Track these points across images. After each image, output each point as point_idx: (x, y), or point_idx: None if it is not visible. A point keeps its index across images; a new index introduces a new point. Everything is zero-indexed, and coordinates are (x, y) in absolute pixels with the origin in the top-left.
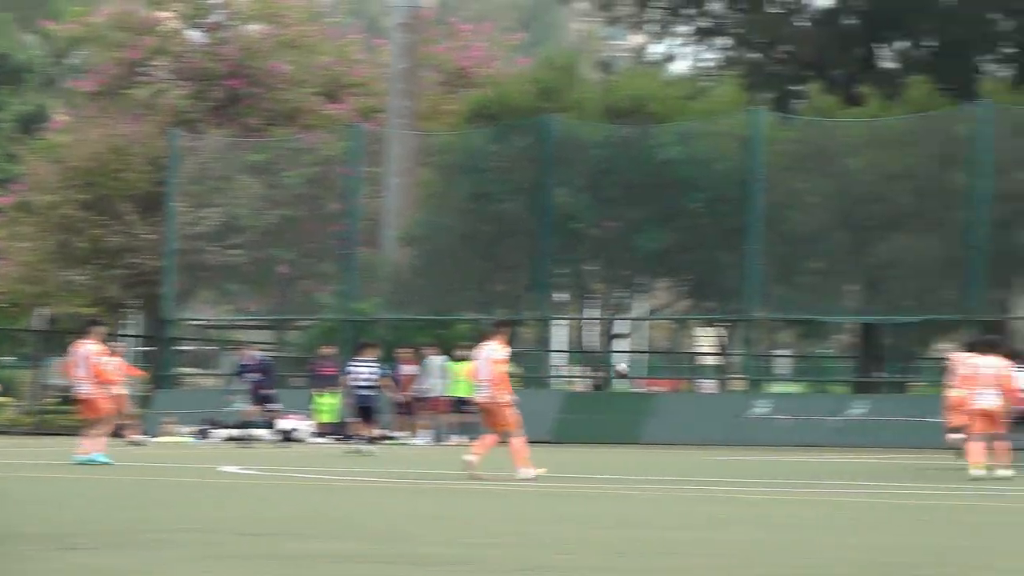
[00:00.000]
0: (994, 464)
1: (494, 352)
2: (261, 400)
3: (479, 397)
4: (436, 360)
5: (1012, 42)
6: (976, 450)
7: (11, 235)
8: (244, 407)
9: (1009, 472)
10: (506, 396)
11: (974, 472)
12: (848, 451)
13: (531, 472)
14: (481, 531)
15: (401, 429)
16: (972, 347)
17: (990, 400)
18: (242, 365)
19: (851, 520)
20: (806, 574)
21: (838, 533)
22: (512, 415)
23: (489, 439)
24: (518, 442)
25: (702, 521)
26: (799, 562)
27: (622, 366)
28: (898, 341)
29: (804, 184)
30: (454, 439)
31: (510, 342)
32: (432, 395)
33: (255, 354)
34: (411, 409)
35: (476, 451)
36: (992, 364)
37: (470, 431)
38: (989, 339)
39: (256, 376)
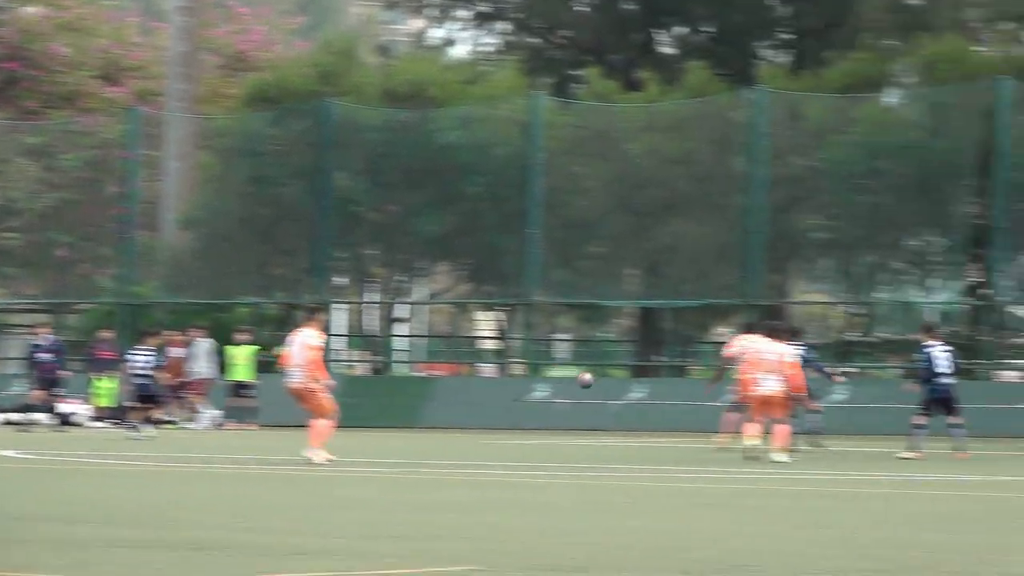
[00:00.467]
0: (772, 448)
1: (309, 338)
2: (49, 384)
3: (292, 382)
4: (204, 344)
5: (789, 28)
6: (752, 430)
7: None
8: (30, 390)
9: (786, 458)
10: (319, 381)
11: (747, 442)
12: (628, 435)
13: (322, 456)
14: (248, 515)
15: (178, 413)
16: (750, 329)
17: (772, 385)
18: (34, 346)
19: (619, 503)
20: (569, 554)
21: (604, 516)
22: (327, 400)
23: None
24: (323, 424)
25: (476, 505)
26: (566, 543)
27: (586, 376)
28: (677, 325)
29: (584, 168)
30: (231, 424)
31: (324, 329)
32: (200, 378)
33: (48, 336)
34: (182, 392)
35: (313, 443)
36: (775, 350)
37: (247, 416)
38: (773, 324)
39: (48, 357)
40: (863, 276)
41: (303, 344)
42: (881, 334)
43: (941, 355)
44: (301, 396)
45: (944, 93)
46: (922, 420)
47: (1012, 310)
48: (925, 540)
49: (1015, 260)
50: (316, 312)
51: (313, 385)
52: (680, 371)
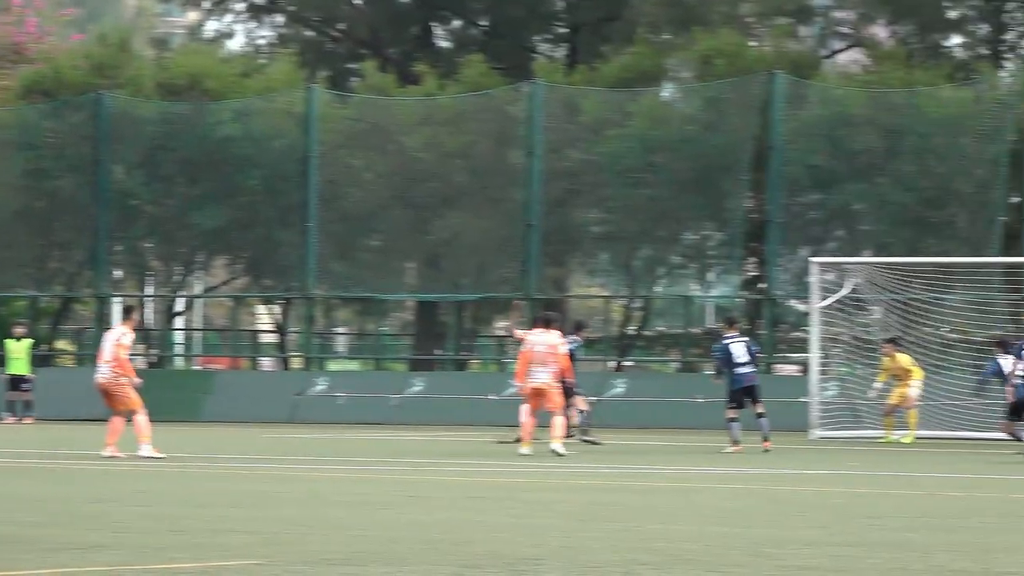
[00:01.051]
0: (552, 439)
1: (121, 336)
2: None
3: (100, 377)
4: None
5: (564, 22)
6: (526, 426)
7: None
8: None
9: (562, 449)
10: (127, 378)
11: (523, 450)
12: (408, 429)
13: (150, 450)
14: (23, 509)
15: None
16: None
17: (543, 377)
18: None
19: (397, 497)
20: (350, 547)
21: (383, 510)
22: (133, 395)
23: (117, 423)
24: (142, 420)
25: (257, 499)
26: (347, 536)
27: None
28: (457, 319)
29: (361, 162)
30: (9, 418)
31: (137, 327)
32: None
33: None
34: None
35: (108, 440)
36: (547, 341)
37: (25, 410)
38: (546, 315)
39: None
40: (641, 270)
41: (114, 341)
42: (660, 328)
43: (738, 346)
44: (108, 392)
45: (720, 87)
46: (732, 413)
47: (789, 304)
48: (708, 533)
49: (791, 254)
50: (131, 311)
51: (122, 381)
52: (460, 365)
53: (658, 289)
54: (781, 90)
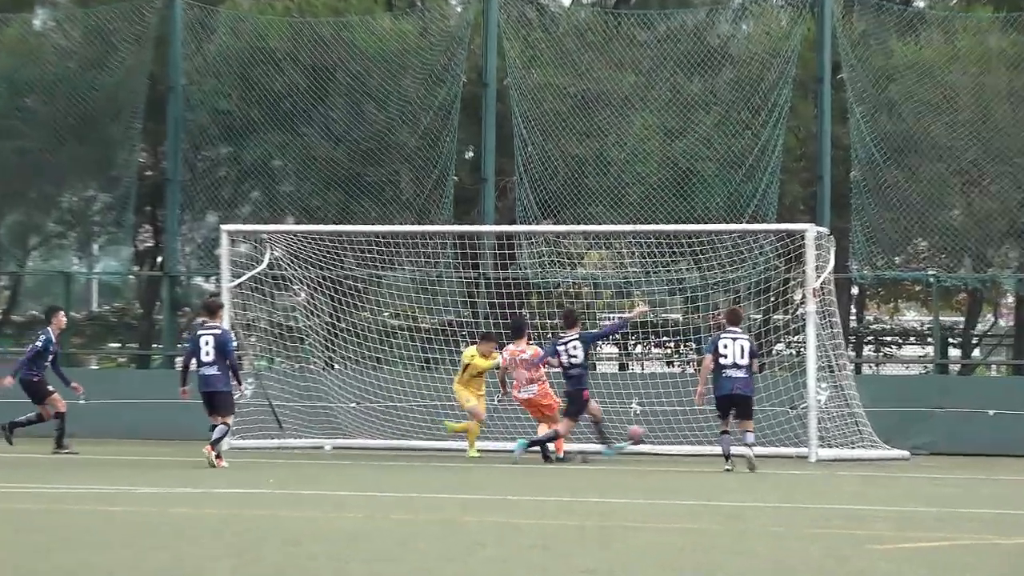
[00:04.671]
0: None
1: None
2: None
3: None
4: None
5: None
6: None
7: None
8: None
9: None
10: None
11: None
12: None
13: None
14: None
15: None
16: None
17: None
18: None
19: None
20: None
21: None
22: None
23: None
24: None
25: None
26: None
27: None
28: None
29: None
30: None
31: None
32: None
33: None
34: None
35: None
36: None
37: None
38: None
39: None
40: (7, 240)
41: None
42: (34, 312)
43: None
44: None
45: (106, 14)
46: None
47: (195, 283)
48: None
49: (196, 221)
50: None
51: None
52: None
53: (31, 264)
54: (181, 18)
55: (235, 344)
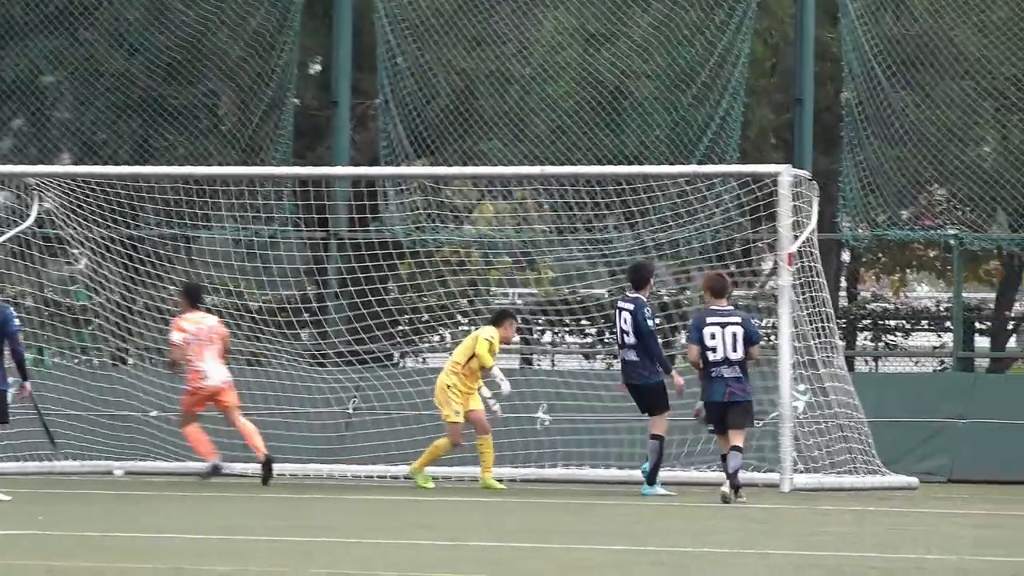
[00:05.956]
0: None
1: None
2: None
3: None
4: None
5: None
6: None
7: None
8: None
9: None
10: None
11: None
12: None
13: None
14: None
15: None
16: None
17: None
18: None
19: None
20: None
21: None
22: None
23: None
24: None
25: None
26: None
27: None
28: None
29: None
30: None
31: None
32: None
33: None
34: None
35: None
36: None
37: None
38: None
39: None
40: None
41: None
42: None
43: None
44: None
45: None
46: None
47: None
48: None
49: None
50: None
51: None
52: None
53: None
54: None
55: (18, 322)
